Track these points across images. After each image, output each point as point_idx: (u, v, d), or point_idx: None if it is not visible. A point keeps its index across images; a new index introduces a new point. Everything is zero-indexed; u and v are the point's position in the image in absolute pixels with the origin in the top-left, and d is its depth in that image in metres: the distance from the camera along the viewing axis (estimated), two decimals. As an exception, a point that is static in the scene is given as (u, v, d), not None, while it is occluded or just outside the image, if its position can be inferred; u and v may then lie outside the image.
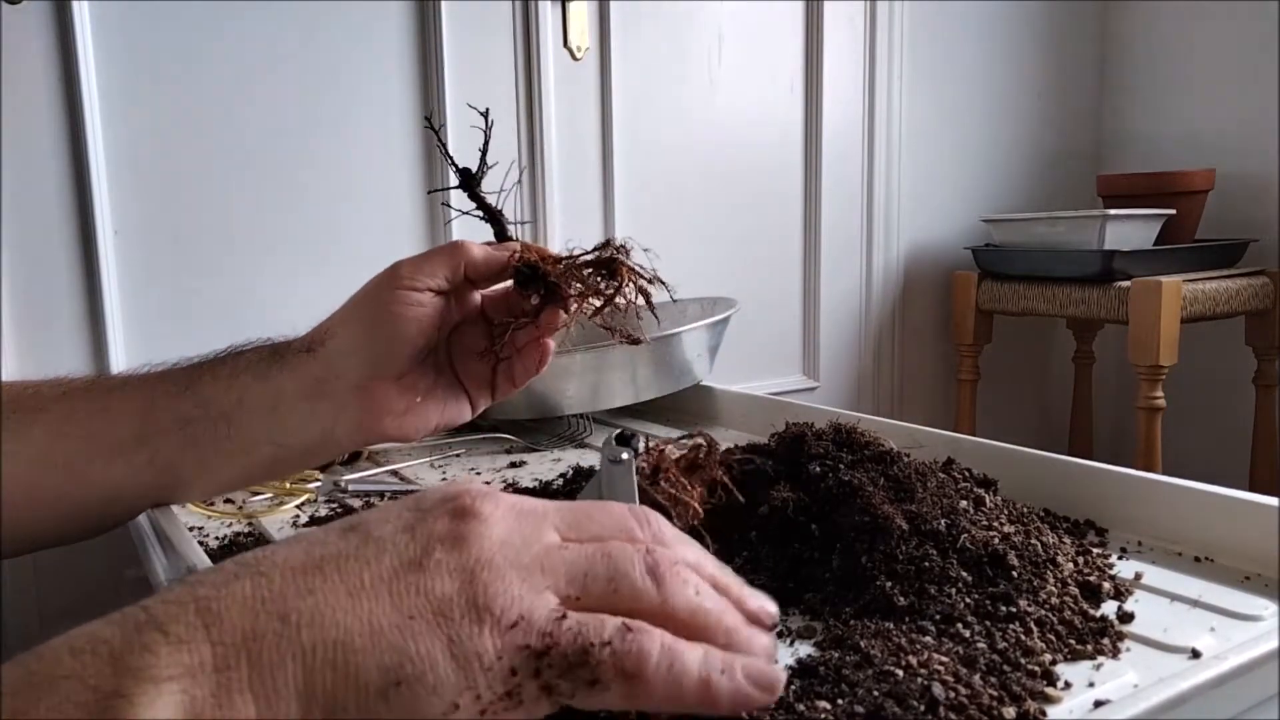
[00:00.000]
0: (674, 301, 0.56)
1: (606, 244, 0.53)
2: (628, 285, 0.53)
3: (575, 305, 0.52)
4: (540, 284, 0.52)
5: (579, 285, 0.52)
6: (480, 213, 0.57)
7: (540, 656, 0.27)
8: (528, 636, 0.27)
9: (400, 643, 0.26)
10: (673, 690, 0.28)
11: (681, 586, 0.31)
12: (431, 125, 0.60)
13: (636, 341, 0.55)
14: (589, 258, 0.53)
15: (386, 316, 0.52)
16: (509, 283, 0.54)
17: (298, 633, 0.26)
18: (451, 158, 0.55)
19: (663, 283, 0.54)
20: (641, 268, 0.54)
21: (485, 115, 0.54)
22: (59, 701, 0.23)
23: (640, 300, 0.54)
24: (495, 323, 0.55)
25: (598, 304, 0.53)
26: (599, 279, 0.53)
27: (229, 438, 0.52)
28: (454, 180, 0.56)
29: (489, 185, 0.56)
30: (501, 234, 0.56)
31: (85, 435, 0.51)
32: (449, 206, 0.58)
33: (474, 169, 0.56)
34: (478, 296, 0.57)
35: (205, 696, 0.25)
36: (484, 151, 0.55)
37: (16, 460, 0.50)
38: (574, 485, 0.72)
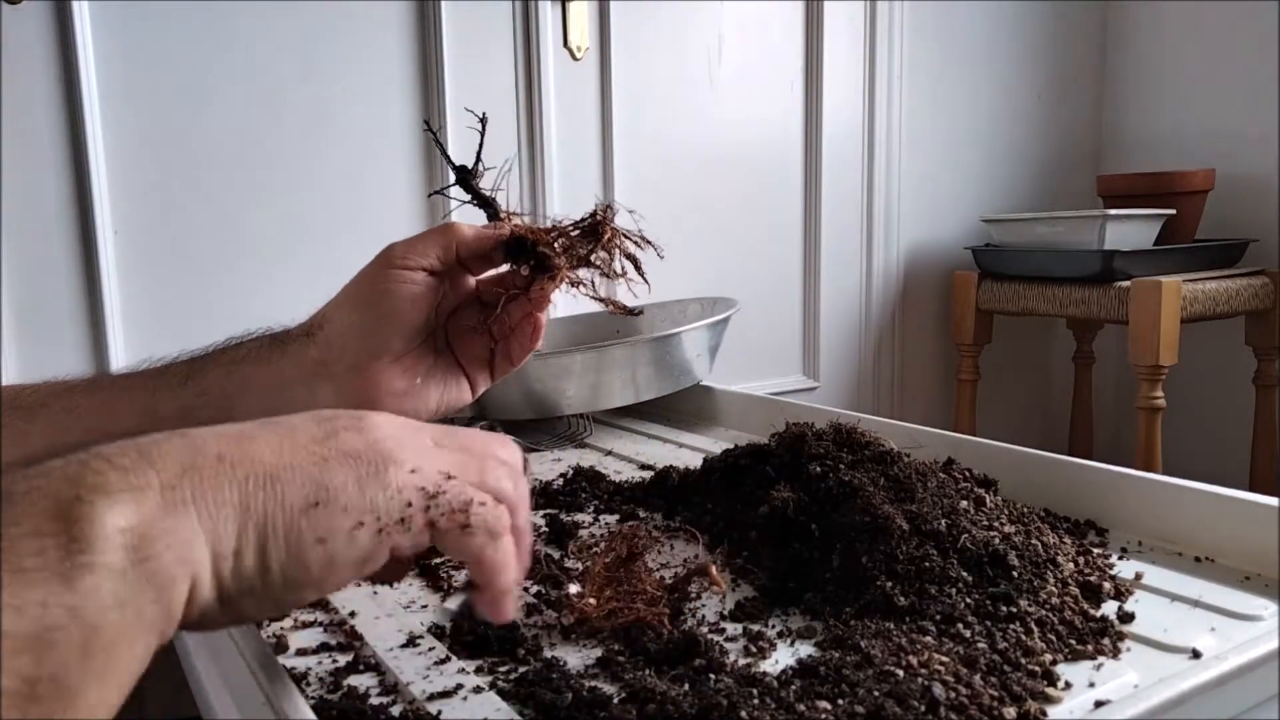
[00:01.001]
0: (678, 303, 0.56)
1: (593, 213, 0.54)
2: (615, 247, 0.53)
3: (564, 272, 0.52)
4: (529, 254, 0.53)
5: (567, 252, 0.53)
6: (476, 203, 0.57)
7: (432, 498, 0.35)
8: (424, 480, 0.35)
9: (318, 475, 0.33)
10: (499, 559, 0.36)
11: (523, 507, 0.39)
12: (430, 129, 0.61)
13: (629, 311, 0.56)
14: (575, 224, 0.54)
15: (381, 295, 0.53)
16: (503, 267, 0.55)
17: (231, 468, 0.31)
18: (448, 156, 0.55)
19: (649, 243, 0.54)
20: (627, 231, 0.54)
21: (482, 120, 0.55)
22: (24, 511, 0.26)
23: (628, 264, 0.54)
24: (487, 301, 0.56)
25: (587, 272, 0.53)
26: (586, 245, 0.53)
27: (230, 421, 0.52)
28: (452, 178, 0.56)
29: (486, 185, 0.56)
30: (493, 217, 0.57)
31: (86, 429, 0.51)
32: (446, 195, 0.58)
33: (470, 166, 0.56)
34: (473, 280, 0.58)
35: (153, 509, 0.28)
36: (479, 150, 0.55)
37: (18, 457, 0.50)
38: (574, 485, 0.72)
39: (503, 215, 0.55)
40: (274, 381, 0.52)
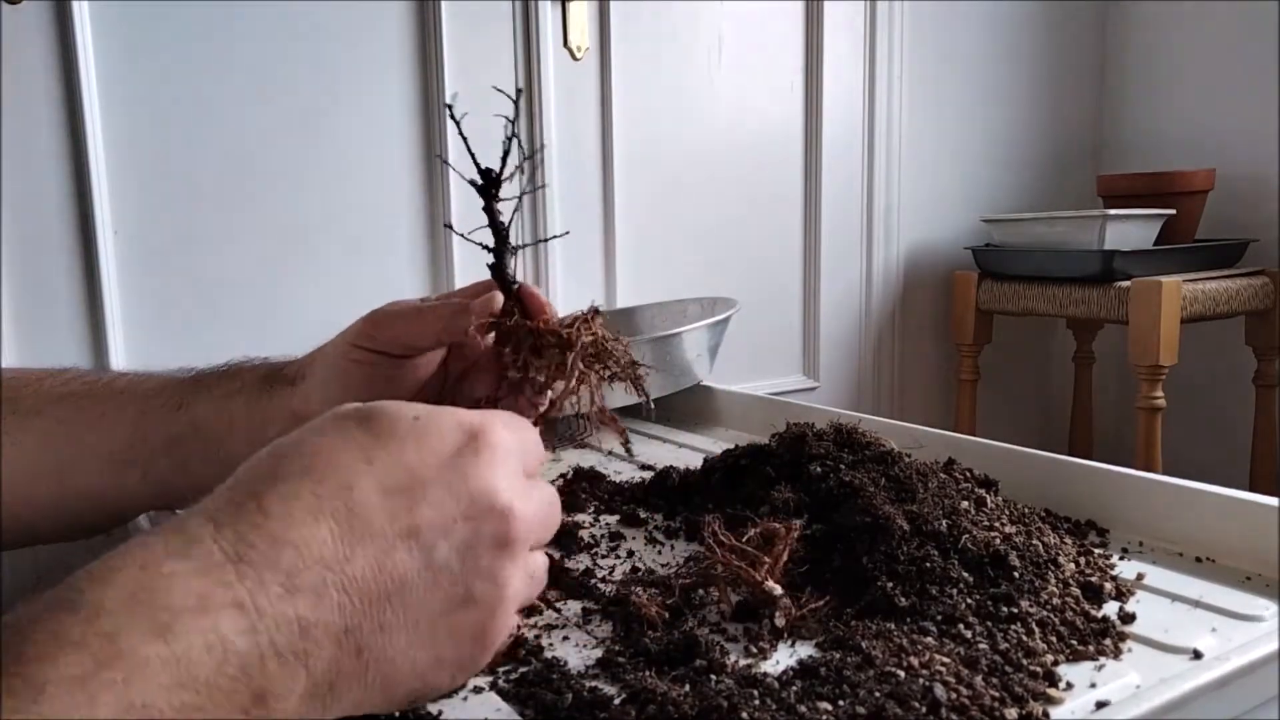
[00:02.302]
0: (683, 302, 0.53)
1: (574, 322, 0.48)
2: (587, 374, 0.48)
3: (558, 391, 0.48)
4: (522, 348, 0.49)
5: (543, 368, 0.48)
6: (489, 227, 0.50)
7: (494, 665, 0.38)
8: (491, 658, 0.37)
9: (432, 681, 0.34)
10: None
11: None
12: (451, 110, 0.51)
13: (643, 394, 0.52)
14: (553, 332, 0.47)
15: (355, 375, 0.50)
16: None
17: (366, 669, 0.31)
18: (473, 154, 0.49)
19: (635, 371, 0.49)
20: (610, 350, 0.48)
21: (515, 100, 0.48)
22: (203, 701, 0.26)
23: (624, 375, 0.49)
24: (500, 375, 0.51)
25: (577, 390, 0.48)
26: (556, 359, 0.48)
27: (219, 460, 0.51)
28: (452, 179, 0.54)
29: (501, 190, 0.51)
30: (499, 265, 0.50)
31: (77, 444, 0.51)
32: (449, 229, 0.54)
33: (494, 171, 0.49)
34: (484, 341, 0.54)
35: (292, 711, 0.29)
36: (507, 150, 0.48)
37: (11, 465, 0.50)
38: (574, 485, 0.72)
39: (509, 268, 0.49)
40: (258, 424, 0.51)
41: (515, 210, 0.49)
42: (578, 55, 1.16)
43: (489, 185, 0.48)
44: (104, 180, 0.90)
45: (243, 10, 0.96)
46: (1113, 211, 1.35)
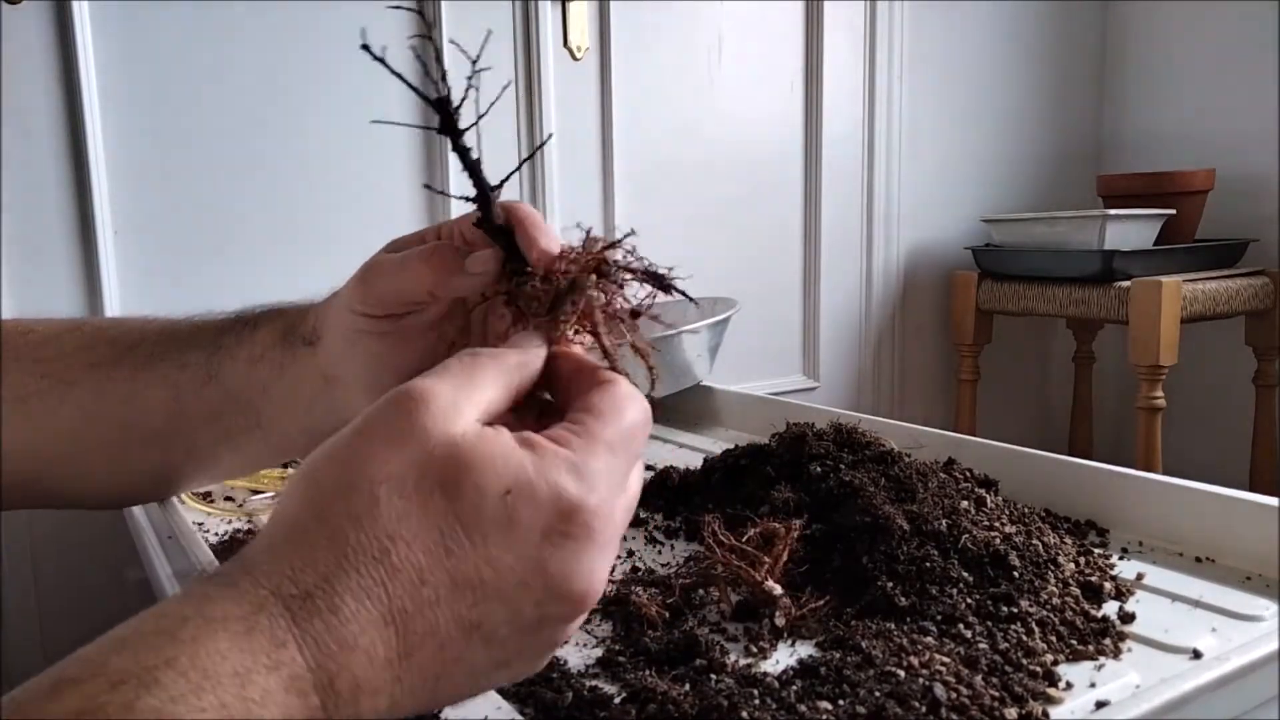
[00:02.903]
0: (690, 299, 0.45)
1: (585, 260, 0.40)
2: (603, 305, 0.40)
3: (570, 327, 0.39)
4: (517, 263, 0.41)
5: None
6: (465, 172, 0.41)
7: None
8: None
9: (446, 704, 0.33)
10: None
11: None
12: (369, 50, 0.38)
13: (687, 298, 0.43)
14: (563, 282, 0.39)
15: (356, 341, 0.48)
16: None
17: (397, 712, 0.30)
18: (416, 89, 0.41)
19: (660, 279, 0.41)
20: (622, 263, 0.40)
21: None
22: None
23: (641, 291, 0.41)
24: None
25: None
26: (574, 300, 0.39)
27: (260, 426, 0.52)
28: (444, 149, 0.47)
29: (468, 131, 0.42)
30: (486, 217, 0.41)
31: (119, 423, 0.51)
32: (443, 193, 0.46)
33: (448, 99, 0.40)
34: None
35: None
36: (471, 78, 0.41)
37: (51, 438, 0.50)
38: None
39: (496, 212, 0.41)
40: (289, 386, 0.50)
41: (473, 128, 0.41)
42: (578, 55, 1.16)
43: (445, 116, 0.41)
44: (104, 180, 0.90)
45: (242, 10, 0.96)
46: (1113, 211, 1.35)
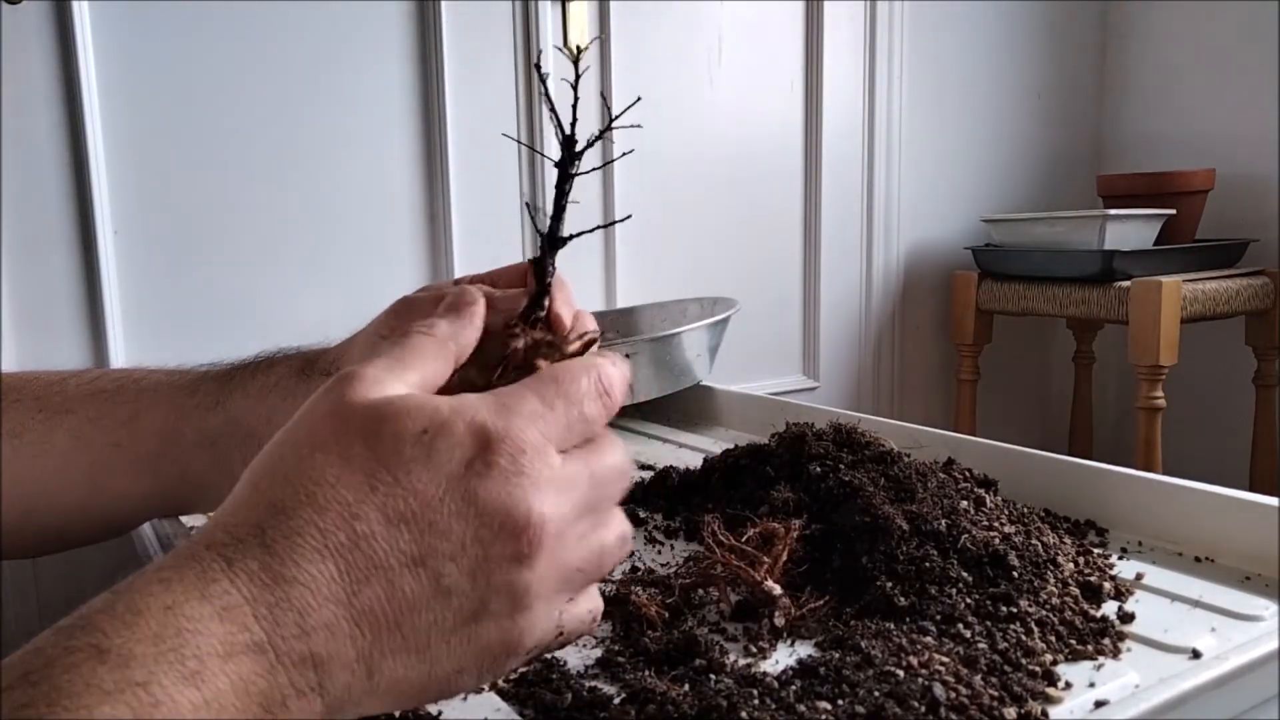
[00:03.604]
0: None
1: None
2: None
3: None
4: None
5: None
6: (555, 206, 0.43)
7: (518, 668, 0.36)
8: (522, 660, 0.34)
9: (457, 686, 0.33)
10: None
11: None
12: (539, 71, 0.45)
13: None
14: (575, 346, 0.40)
15: None
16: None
17: (378, 688, 0.31)
18: (557, 117, 0.42)
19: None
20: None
21: (575, 59, 0.42)
22: None
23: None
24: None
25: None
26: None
27: (257, 454, 0.51)
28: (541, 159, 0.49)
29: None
30: (546, 254, 0.43)
31: (111, 445, 0.50)
32: (541, 154, 0.44)
33: (574, 139, 0.42)
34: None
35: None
36: (574, 116, 0.41)
37: (41, 466, 0.49)
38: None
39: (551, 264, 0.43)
40: None
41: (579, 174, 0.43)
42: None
43: (568, 157, 0.42)
44: (104, 180, 0.90)
45: (243, 10, 0.96)
46: (1113, 211, 1.35)
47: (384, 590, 0.31)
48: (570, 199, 0.43)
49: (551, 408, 0.34)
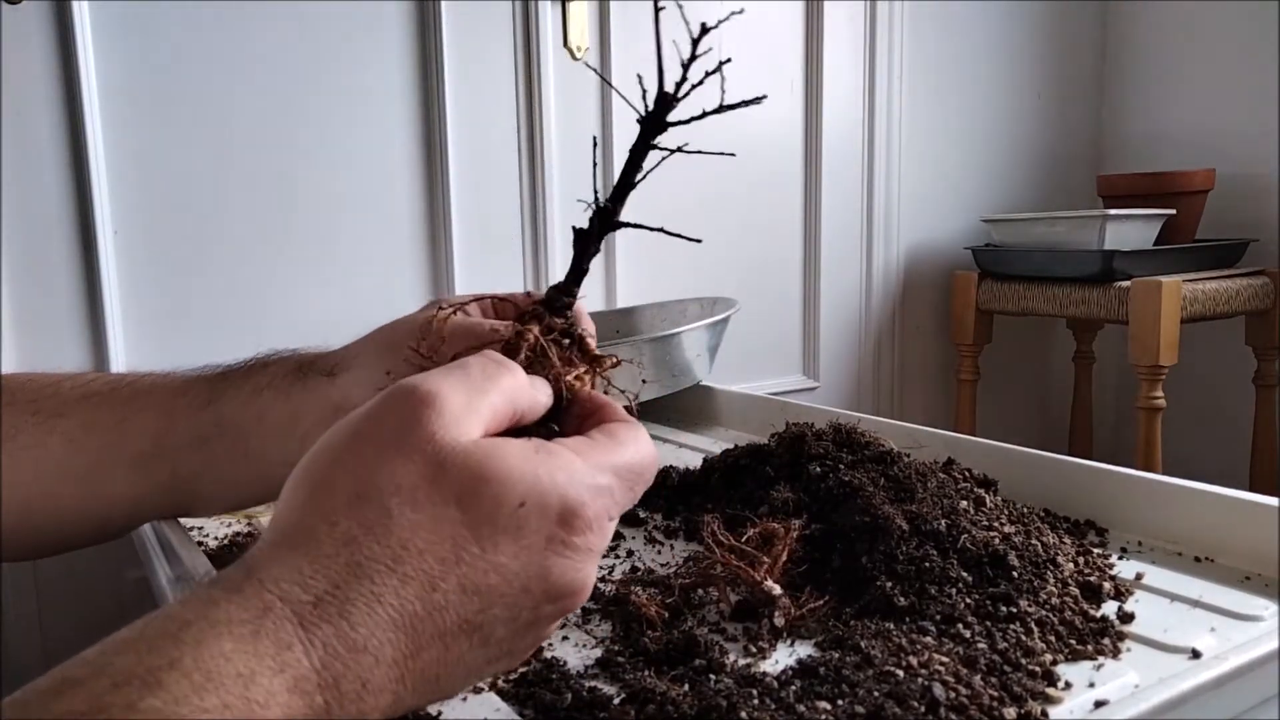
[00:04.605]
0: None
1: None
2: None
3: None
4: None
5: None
6: (622, 179, 0.41)
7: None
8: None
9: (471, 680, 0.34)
10: None
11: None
12: (676, 98, 0.39)
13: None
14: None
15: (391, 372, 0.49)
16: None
17: (398, 709, 0.31)
18: (661, 65, 0.38)
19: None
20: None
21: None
22: None
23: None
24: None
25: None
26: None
27: (247, 456, 0.51)
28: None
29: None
30: (587, 259, 0.41)
31: (104, 447, 0.50)
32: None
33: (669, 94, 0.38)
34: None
35: None
36: (660, 67, 0.36)
37: (36, 470, 0.49)
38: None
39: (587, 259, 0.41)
40: (289, 418, 0.50)
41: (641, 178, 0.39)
42: (578, 55, 1.16)
43: (661, 110, 0.36)
44: (104, 180, 0.90)
45: (243, 10, 0.96)
46: (1113, 211, 1.35)
47: (439, 654, 0.31)
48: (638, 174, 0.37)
49: (629, 489, 0.36)
